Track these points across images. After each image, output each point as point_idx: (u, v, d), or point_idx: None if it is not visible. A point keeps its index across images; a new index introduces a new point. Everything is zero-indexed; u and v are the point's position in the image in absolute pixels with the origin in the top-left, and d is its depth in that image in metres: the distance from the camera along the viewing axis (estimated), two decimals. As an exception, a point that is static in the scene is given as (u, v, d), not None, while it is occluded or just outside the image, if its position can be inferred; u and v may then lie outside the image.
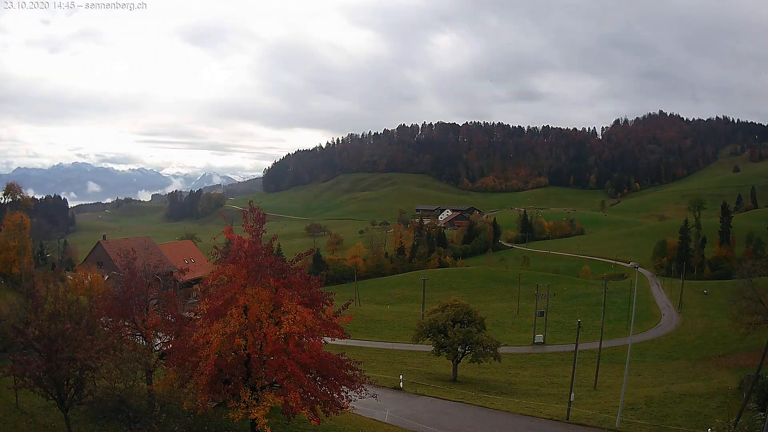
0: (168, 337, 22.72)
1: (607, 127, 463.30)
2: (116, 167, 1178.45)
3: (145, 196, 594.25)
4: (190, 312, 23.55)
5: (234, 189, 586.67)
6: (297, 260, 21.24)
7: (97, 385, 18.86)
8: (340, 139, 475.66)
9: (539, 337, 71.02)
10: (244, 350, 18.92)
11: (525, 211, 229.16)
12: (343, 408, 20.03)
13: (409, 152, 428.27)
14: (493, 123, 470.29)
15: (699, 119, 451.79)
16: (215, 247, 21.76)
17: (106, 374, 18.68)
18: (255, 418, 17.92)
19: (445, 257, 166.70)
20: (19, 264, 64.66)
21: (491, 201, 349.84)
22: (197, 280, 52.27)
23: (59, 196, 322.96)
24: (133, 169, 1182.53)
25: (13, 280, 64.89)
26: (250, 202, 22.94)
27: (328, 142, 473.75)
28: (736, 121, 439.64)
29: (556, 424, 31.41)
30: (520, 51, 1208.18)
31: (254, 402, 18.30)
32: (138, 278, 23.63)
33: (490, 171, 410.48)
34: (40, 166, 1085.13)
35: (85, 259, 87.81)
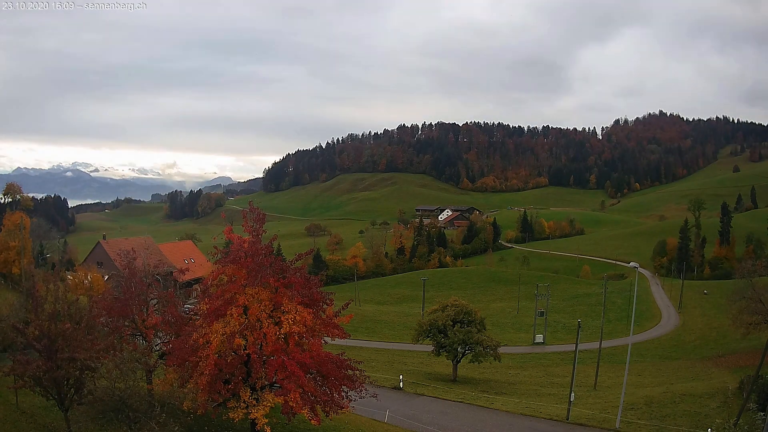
0: (168, 337, 22.71)
1: (607, 127, 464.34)
2: (117, 167, 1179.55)
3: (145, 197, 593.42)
4: (190, 312, 23.58)
5: (234, 189, 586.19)
6: (297, 260, 21.24)
7: (97, 385, 18.84)
8: (340, 138, 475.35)
9: (539, 337, 71.01)
10: (244, 350, 18.91)
11: (525, 211, 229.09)
12: (343, 408, 20.01)
13: (409, 152, 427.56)
14: (493, 123, 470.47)
15: (699, 119, 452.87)
16: (215, 247, 21.76)
17: (106, 374, 18.67)
18: (255, 418, 17.93)
19: (445, 257, 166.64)
20: (19, 264, 64.78)
21: (491, 201, 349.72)
22: (197, 280, 52.24)
23: (59, 196, 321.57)
24: (133, 169, 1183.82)
25: (13, 280, 64.97)
26: (250, 202, 23.03)
27: (328, 142, 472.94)
28: (736, 121, 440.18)
29: (556, 424, 31.41)
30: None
31: (254, 402, 18.30)
32: (138, 278, 23.63)
33: (490, 171, 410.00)
34: (40, 166, 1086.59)
35: (85, 259, 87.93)
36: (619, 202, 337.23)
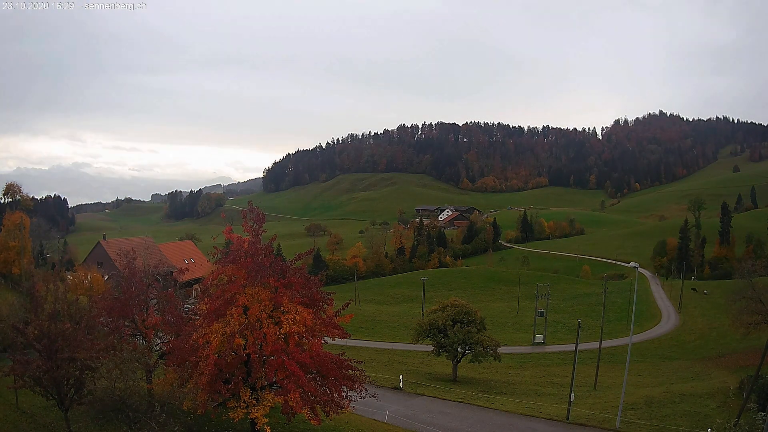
0: (168, 337, 22.72)
1: (607, 127, 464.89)
2: (116, 167, 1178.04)
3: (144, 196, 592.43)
4: (190, 312, 23.59)
5: (234, 189, 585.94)
6: (297, 260, 21.24)
7: (97, 385, 18.87)
8: (340, 138, 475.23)
9: (539, 337, 71.02)
10: (244, 350, 18.91)
11: (525, 211, 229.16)
12: (343, 408, 20.01)
13: (409, 152, 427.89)
14: (493, 123, 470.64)
15: (699, 119, 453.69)
16: (215, 247, 21.79)
17: (106, 374, 18.70)
18: (255, 418, 17.94)
19: (445, 257, 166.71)
20: (19, 264, 64.81)
21: (491, 201, 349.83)
22: (197, 280, 52.27)
23: (59, 196, 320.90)
24: (133, 169, 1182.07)
25: (13, 280, 64.92)
26: (250, 202, 23.03)
27: (328, 142, 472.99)
28: (736, 121, 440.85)
29: (556, 424, 31.39)
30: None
31: (254, 402, 18.30)
32: (138, 278, 23.63)
33: (490, 171, 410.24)
34: (40, 166, 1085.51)
35: (85, 259, 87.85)
36: (619, 202, 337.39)
